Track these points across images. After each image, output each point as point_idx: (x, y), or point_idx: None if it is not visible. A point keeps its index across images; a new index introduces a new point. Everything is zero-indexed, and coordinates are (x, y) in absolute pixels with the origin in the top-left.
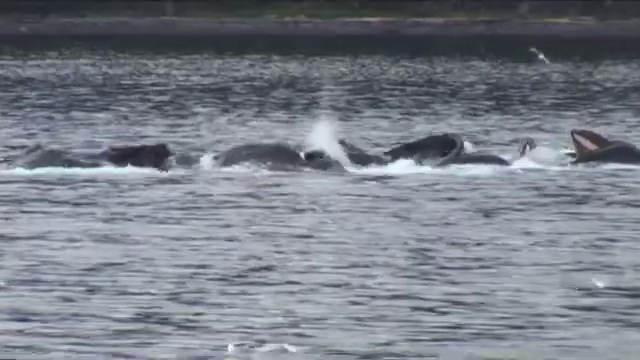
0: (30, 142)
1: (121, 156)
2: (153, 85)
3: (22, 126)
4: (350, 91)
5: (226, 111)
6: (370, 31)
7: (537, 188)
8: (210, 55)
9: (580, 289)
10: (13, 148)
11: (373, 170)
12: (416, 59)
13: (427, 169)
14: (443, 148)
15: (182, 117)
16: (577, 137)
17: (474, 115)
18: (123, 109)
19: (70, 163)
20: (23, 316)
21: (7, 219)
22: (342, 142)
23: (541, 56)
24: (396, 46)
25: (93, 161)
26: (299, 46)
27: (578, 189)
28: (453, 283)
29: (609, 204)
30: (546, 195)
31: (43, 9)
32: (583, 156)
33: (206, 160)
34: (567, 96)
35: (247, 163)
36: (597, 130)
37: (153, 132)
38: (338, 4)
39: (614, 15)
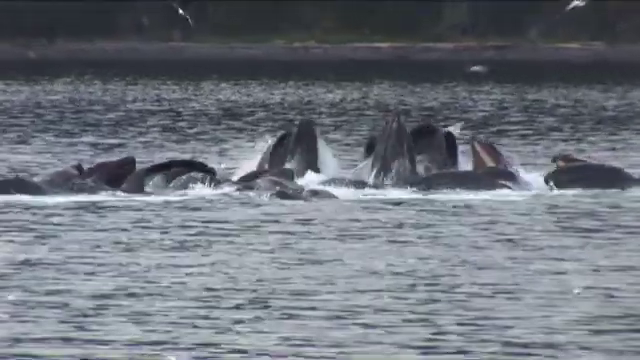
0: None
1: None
2: (166, 111)
3: (39, 151)
4: (355, 117)
5: (238, 135)
6: (380, 56)
7: (555, 213)
8: (220, 80)
9: (602, 315)
10: (34, 174)
11: (382, 194)
12: (425, 84)
13: (433, 195)
14: (425, 135)
15: (194, 141)
16: (558, 162)
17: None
18: (136, 134)
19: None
20: (37, 344)
21: (23, 245)
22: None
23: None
24: (406, 71)
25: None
26: (309, 71)
27: (588, 212)
28: (472, 309)
29: (630, 230)
30: (564, 219)
31: (50, 34)
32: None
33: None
34: (578, 121)
35: (257, 188)
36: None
37: (166, 156)
38: (348, 30)
39: (624, 40)
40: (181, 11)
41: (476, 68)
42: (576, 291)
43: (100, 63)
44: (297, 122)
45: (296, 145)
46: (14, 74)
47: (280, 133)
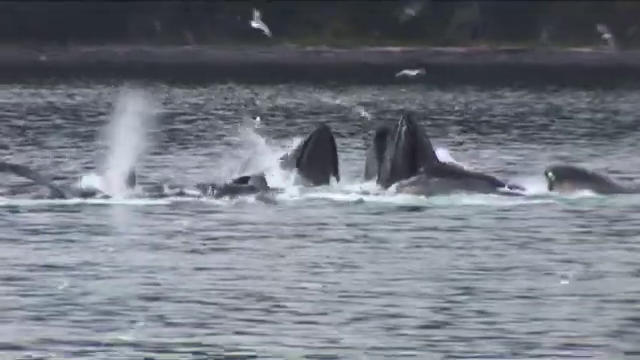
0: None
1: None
2: (181, 114)
3: (52, 155)
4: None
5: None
6: (391, 60)
7: (562, 217)
8: (234, 84)
9: (617, 318)
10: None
11: (391, 198)
12: (437, 88)
13: (438, 198)
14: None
15: (207, 146)
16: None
17: (498, 144)
18: (151, 137)
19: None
20: (55, 346)
21: (40, 249)
22: None
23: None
24: (418, 75)
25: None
26: (321, 75)
27: (599, 217)
28: (485, 313)
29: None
30: (574, 223)
31: (62, 37)
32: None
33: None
34: (592, 125)
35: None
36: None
37: (179, 161)
38: (359, 33)
39: (636, 44)
40: (255, 24)
41: (408, 72)
42: (563, 282)
43: (112, 67)
44: (314, 128)
45: (313, 152)
46: (26, 77)
47: (305, 137)
